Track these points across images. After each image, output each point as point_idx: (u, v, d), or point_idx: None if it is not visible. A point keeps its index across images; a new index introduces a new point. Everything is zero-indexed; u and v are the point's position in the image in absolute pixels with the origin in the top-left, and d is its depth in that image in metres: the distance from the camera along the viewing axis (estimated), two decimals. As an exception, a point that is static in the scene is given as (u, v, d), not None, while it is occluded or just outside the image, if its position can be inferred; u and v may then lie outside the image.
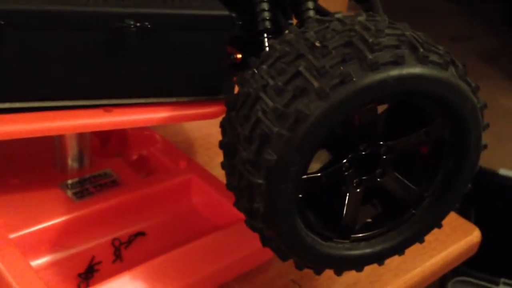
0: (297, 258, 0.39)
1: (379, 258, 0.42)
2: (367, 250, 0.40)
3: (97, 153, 0.57)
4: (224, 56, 0.46)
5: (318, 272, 0.41)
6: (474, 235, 0.57)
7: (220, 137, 0.38)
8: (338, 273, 0.42)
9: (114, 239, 0.49)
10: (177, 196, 0.54)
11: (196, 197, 0.55)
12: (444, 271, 0.54)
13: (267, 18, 0.45)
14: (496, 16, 2.39)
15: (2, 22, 0.37)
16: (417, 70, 0.34)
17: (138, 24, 0.41)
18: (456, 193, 0.41)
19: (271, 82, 0.35)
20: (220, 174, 0.55)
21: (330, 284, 0.48)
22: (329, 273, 0.49)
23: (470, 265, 0.84)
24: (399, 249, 0.42)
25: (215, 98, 0.47)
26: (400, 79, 0.34)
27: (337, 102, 0.33)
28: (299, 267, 0.40)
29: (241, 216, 0.50)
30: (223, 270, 0.47)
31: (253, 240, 0.49)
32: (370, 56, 0.33)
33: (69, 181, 0.52)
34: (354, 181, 0.39)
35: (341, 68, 0.33)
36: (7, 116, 0.41)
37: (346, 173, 0.38)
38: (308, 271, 0.48)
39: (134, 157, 0.58)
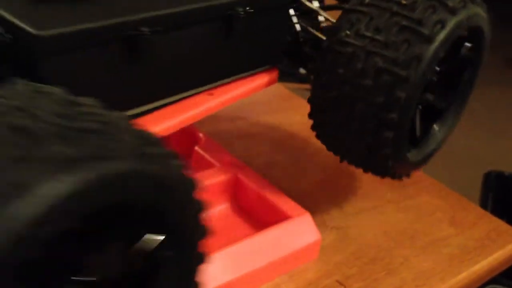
0: (399, 171, 0.49)
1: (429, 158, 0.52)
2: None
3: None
4: (286, 26, 0.52)
5: (408, 175, 0.51)
6: (518, 241, 0.56)
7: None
8: (407, 175, 0.51)
9: (163, 235, 0.50)
10: (221, 193, 0.54)
11: (240, 194, 0.55)
12: (489, 276, 0.53)
13: None
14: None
15: (148, 30, 0.38)
16: (477, 10, 0.46)
17: (244, 10, 0.45)
18: (465, 97, 0.53)
19: (380, 38, 0.43)
20: (260, 173, 0.56)
21: (375, 286, 0.48)
22: (374, 275, 0.49)
23: (503, 273, 0.83)
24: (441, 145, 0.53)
25: (277, 64, 0.53)
26: (469, 18, 0.44)
27: (441, 43, 0.42)
28: (397, 177, 0.50)
29: (286, 213, 0.51)
30: (269, 268, 0.47)
31: (300, 238, 0.49)
32: (451, 4, 0.43)
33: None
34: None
35: (436, 16, 0.42)
36: (148, 117, 0.42)
37: None
38: (353, 274, 0.49)
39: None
